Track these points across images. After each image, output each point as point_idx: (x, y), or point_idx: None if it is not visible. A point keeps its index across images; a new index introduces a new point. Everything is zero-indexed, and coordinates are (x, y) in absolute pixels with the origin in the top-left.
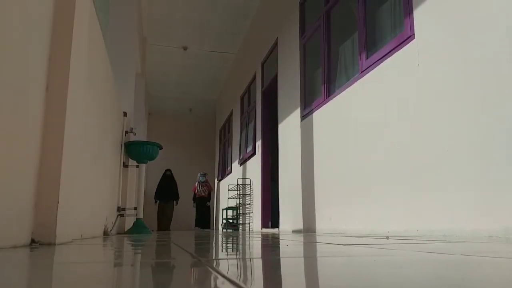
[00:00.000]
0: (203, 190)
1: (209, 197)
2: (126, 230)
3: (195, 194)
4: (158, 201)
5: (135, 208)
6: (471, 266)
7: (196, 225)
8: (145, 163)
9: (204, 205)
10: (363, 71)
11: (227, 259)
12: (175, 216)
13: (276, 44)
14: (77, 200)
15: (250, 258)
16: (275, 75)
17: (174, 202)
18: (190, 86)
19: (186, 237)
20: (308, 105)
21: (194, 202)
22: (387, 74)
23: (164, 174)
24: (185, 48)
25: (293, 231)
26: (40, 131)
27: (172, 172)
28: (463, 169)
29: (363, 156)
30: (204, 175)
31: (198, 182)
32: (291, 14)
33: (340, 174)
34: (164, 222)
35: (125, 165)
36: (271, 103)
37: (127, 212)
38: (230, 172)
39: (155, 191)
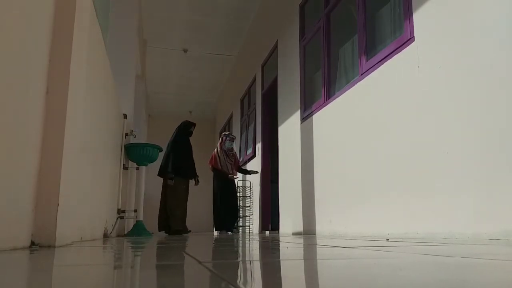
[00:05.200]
0: (230, 163)
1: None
2: (126, 232)
3: (216, 170)
4: (174, 179)
5: (135, 211)
6: (471, 268)
7: (217, 227)
8: (145, 165)
9: (231, 189)
10: (363, 73)
11: (227, 261)
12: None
13: (276, 46)
14: (77, 202)
15: (250, 261)
16: (275, 77)
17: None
18: (190, 88)
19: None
20: (308, 107)
21: (218, 183)
22: (387, 76)
23: (186, 132)
24: (185, 50)
25: (293, 234)
26: (40, 134)
27: None
28: (463, 171)
29: (363, 159)
30: (233, 139)
31: (221, 151)
32: (291, 17)
33: (340, 176)
34: (181, 215)
35: (125, 167)
36: (271, 106)
37: (127, 214)
38: None
39: (172, 159)
